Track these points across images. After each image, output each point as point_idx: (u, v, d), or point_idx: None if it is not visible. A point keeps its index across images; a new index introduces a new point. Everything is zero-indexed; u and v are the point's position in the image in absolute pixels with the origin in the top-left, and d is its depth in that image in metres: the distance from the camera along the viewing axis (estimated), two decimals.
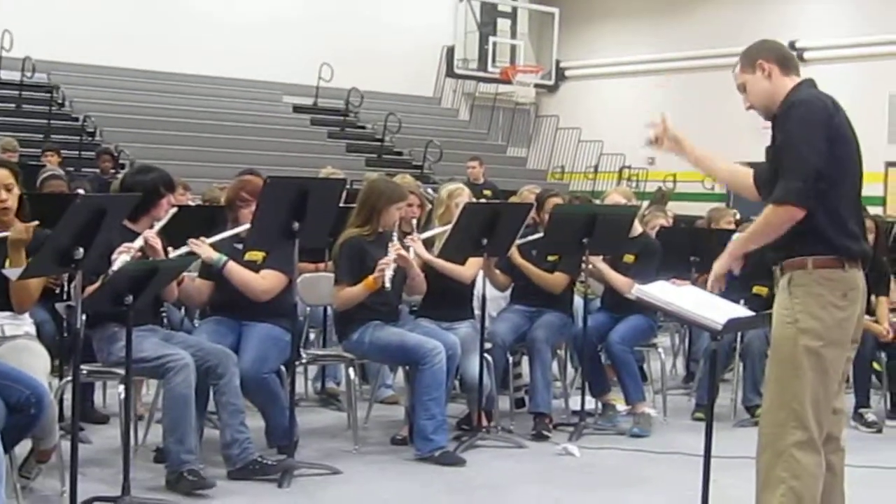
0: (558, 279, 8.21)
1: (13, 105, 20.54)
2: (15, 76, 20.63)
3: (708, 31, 24.96)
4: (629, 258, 8.43)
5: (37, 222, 5.71)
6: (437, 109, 27.53)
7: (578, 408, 8.16)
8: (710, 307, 5.13)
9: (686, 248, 9.24)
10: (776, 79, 4.89)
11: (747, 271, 8.30)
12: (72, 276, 6.01)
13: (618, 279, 8.29)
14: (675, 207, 15.52)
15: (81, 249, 5.23)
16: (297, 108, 24.51)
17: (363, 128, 24.94)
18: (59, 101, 21.08)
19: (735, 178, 5.32)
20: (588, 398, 8.23)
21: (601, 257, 8.29)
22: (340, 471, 6.76)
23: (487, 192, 15.84)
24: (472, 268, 7.79)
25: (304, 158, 20.03)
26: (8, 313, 5.89)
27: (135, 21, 22.16)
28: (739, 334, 8.52)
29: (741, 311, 5.40)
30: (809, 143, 4.65)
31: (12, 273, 5.60)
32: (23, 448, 5.77)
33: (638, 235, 8.56)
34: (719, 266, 5.09)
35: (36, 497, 5.98)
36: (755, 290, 8.56)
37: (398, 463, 7.13)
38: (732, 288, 8.15)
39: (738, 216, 11.54)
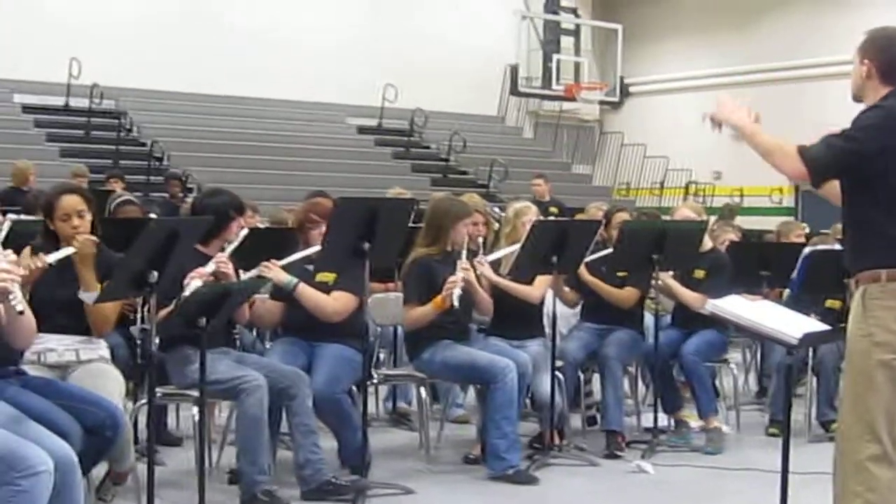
0: (628, 294, 8.17)
1: (82, 132, 20.85)
2: (83, 103, 20.93)
3: (773, 45, 24.81)
4: (699, 273, 8.36)
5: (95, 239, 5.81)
6: (502, 128, 27.55)
7: (651, 425, 8.11)
8: (785, 321, 5.09)
9: (756, 263, 9.16)
10: (874, 85, 4.82)
11: (819, 285, 8.25)
12: (145, 300, 6.07)
13: (688, 295, 8.24)
14: (743, 222, 15.40)
15: (155, 273, 5.28)
16: (362, 130, 24.63)
17: (428, 148, 25.00)
18: (127, 127, 21.32)
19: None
20: (660, 415, 8.17)
21: (670, 273, 8.24)
22: (414, 490, 6.75)
23: (554, 210, 15.81)
24: (539, 288, 7.76)
25: (370, 179, 20.11)
26: (83, 337, 5.95)
27: (199, 47, 22.38)
28: (812, 348, 8.43)
29: (816, 325, 5.34)
30: (860, 141, 4.62)
31: (88, 297, 5.67)
32: (99, 470, 5.81)
33: (708, 250, 8.50)
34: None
35: None
36: (828, 303, 8.52)
37: (471, 482, 7.11)
38: (805, 302, 8.13)
39: (807, 230, 11.44)
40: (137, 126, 21.48)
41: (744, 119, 4.92)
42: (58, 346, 5.88)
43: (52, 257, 5.50)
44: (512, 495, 6.83)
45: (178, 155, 20.34)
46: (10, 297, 4.30)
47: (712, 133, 5.16)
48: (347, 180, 19.65)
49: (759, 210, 22.56)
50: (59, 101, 21.30)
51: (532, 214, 8.07)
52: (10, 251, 4.35)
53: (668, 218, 9.25)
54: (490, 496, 6.83)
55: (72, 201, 5.95)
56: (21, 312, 4.42)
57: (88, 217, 5.97)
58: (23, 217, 8.72)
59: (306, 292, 6.88)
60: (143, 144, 20.73)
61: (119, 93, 21.46)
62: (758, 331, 5.18)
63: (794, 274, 8.99)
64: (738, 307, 5.16)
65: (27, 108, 21.14)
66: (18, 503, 4.22)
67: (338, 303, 6.92)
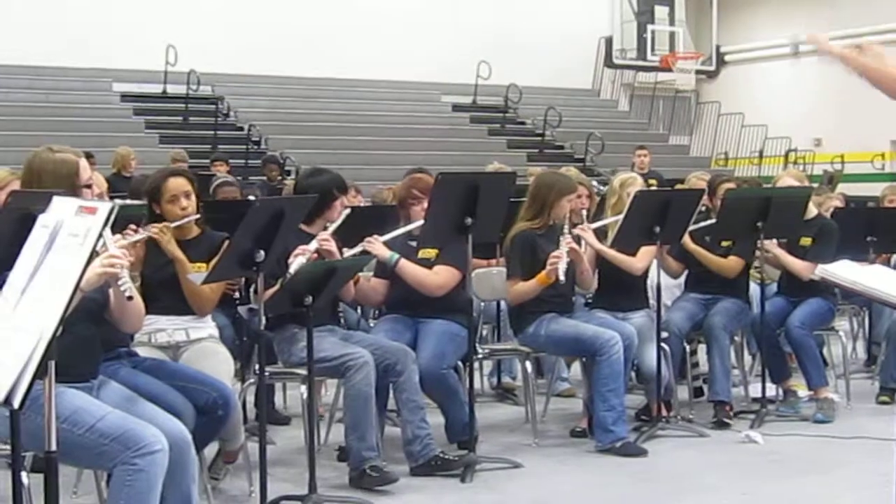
0: (733, 263, 8.05)
1: (180, 118, 21.12)
2: (181, 89, 21.20)
3: (870, 8, 24.33)
4: (805, 241, 8.23)
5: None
6: (597, 101, 27.41)
7: (758, 395, 8.01)
8: None
9: (862, 229, 9.00)
10: None
11: None
12: (251, 280, 6.11)
13: (796, 263, 8.12)
14: (845, 189, 15.19)
15: (262, 252, 5.32)
16: (457, 107, 24.62)
17: (523, 123, 24.94)
18: (224, 112, 21.56)
19: None
20: (768, 384, 8.08)
21: (775, 242, 8.13)
22: (521, 464, 6.74)
23: (652, 182, 15.65)
24: (643, 259, 7.69)
25: (466, 157, 20.11)
26: (191, 317, 6.04)
27: (293, 30, 22.51)
28: None
29: None
30: None
31: (197, 278, 5.73)
32: (210, 450, 5.87)
33: (813, 217, 8.36)
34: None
35: (225, 497, 6.09)
36: None
37: (579, 455, 7.09)
38: None
39: None
40: (234, 111, 21.70)
41: (843, 50, 4.80)
42: (168, 326, 5.98)
43: (129, 240, 5.46)
44: (621, 467, 6.79)
45: (275, 138, 20.52)
46: (119, 282, 4.34)
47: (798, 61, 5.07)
48: (444, 158, 19.62)
49: (861, 176, 22.19)
50: (156, 89, 21.59)
51: (637, 185, 7.98)
52: (118, 236, 4.39)
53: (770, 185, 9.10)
54: (599, 469, 6.80)
55: (178, 183, 6.09)
56: (130, 298, 4.46)
57: (193, 198, 6.08)
58: (128, 202, 8.81)
59: (407, 267, 6.89)
60: (241, 129, 20.93)
61: (215, 78, 21.69)
62: (871, 295, 5.07)
63: None
64: (850, 272, 5.05)
65: (126, 97, 21.44)
66: (135, 482, 4.26)
67: (440, 277, 6.92)
